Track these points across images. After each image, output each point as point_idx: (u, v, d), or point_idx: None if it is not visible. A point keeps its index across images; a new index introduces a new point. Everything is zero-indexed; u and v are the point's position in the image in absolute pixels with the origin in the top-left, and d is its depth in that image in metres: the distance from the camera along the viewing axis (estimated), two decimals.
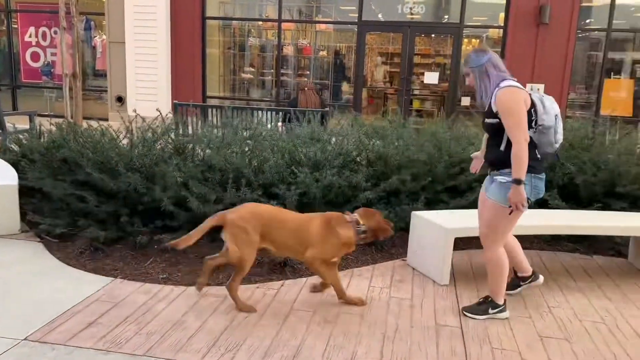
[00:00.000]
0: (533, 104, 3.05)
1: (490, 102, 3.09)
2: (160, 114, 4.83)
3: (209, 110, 6.43)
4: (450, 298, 3.55)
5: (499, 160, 3.08)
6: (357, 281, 3.77)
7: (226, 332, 2.99)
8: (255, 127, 4.84)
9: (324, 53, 11.11)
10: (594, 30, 9.79)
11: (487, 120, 3.13)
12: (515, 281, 3.64)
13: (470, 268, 4.10)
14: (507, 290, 3.45)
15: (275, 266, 3.90)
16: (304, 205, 4.44)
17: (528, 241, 4.67)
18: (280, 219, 3.30)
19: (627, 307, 3.50)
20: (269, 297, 3.46)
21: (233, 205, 4.14)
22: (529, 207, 3.05)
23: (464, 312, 3.38)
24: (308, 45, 10.96)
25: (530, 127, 3.03)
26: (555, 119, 3.07)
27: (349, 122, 5.52)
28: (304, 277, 3.80)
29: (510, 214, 3.07)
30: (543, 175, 3.13)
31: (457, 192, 4.86)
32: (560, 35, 9.40)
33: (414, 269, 4.03)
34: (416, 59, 10.69)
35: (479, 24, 10.29)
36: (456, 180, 4.77)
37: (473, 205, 4.68)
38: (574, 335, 3.11)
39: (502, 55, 9.78)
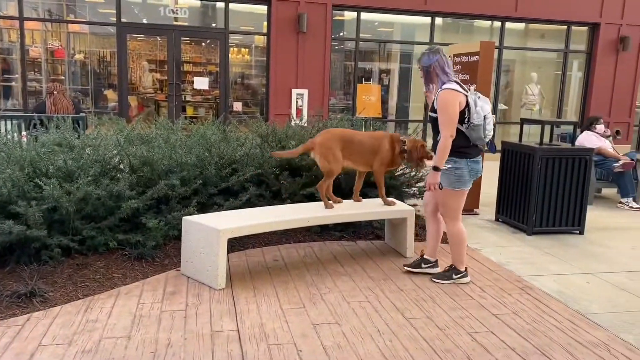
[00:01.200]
0: (468, 105, 3.60)
1: (434, 99, 3.65)
2: None
3: None
4: (227, 301, 3.42)
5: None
6: (124, 300, 3.37)
7: None
8: None
9: (81, 57, 10.05)
10: (345, 39, 10.82)
11: (430, 114, 3.74)
12: (418, 261, 4.07)
13: (247, 268, 4.04)
14: (410, 267, 4.04)
15: (18, 298, 3.25)
16: (54, 222, 3.84)
17: (300, 234, 4.84)
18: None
19: (386, 284, 3.83)
20: (8, 336, 2.85)
21: None
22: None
23: (433, 280, 3.87)
24: (60, 47, 9.78)
25: (463, 123, 3.61)
26: (485, 119, 3.62)
27: (107, 127, 5.01)
28: (58, 305, 3.25)
29: (425, 190, 3.82)
30: (479, 159, 3.77)
31: (231, 193, 4.79)
32: (318, 43, 10.16)
33: (188, 277, 3.79)
34: (187, 67, 10.42)
35: (244, 30, 10.50)
36: (229, 181, 4.69)
37: (247, 205, 4.67)
38: (343, 317, 3.26)
39: (268, 61, 10.16)
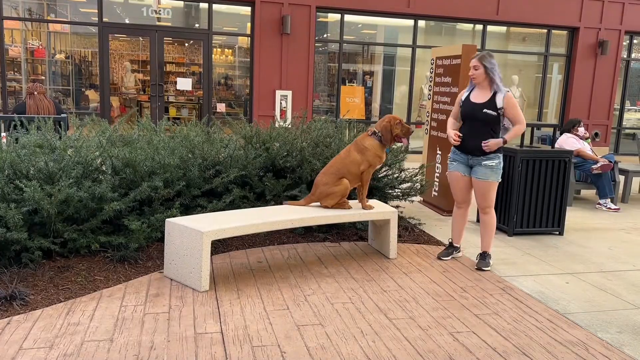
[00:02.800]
0: None
1: (494, 99, 4.00)
2: None
3: None
4: (210, 304, 3.41)
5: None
6: (106, 303, 3.35)
7: None
8: None
9: (62, 56, 9.93)
10: (329, 41, 10.86)
11: (487, 111, 4.00)
12: (450, 250, 4.49)
13: (231, 270, 4.03)
14: (442, 257, 4.45)
15: None
16: (35, 224, 3.80)
17: (284, 235, 4.85)
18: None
19: (370, 285, 3.86)
20: None
21: None
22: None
23: (482, 269, 4.23)
24: (40, 47, 9.65)
25: (503, 124, 4.08)
26: None
27: (89, 128, 4.97)
28: (39, 308, 3.22)
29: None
30: None
31: (214, 195, 4.78)
32: (302, 45, 10.18)
33: (171, 280, 3.78)
34: (170, 67, 10.37)
35: (227, 31, 10.48)
36: (212, 183, 4.68)
37: (231, 206, 4.67)
38: (327, 318, 3.28)
39: (252, 62, 10.15)
